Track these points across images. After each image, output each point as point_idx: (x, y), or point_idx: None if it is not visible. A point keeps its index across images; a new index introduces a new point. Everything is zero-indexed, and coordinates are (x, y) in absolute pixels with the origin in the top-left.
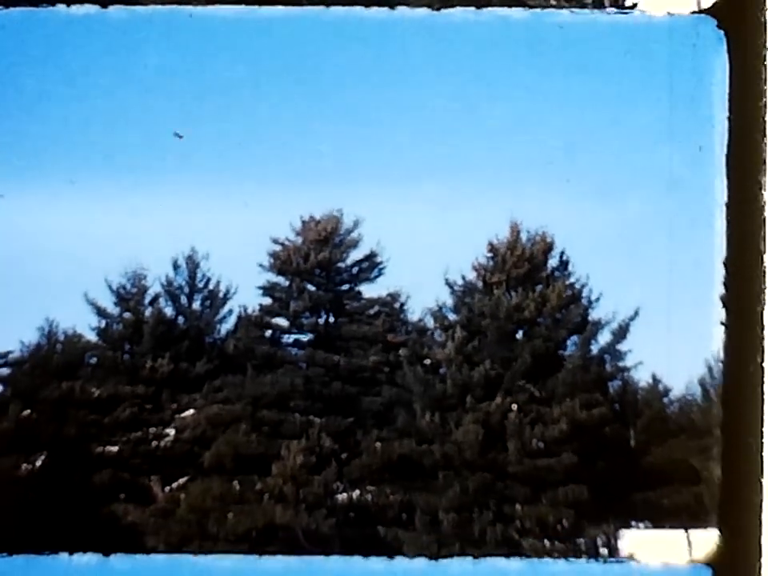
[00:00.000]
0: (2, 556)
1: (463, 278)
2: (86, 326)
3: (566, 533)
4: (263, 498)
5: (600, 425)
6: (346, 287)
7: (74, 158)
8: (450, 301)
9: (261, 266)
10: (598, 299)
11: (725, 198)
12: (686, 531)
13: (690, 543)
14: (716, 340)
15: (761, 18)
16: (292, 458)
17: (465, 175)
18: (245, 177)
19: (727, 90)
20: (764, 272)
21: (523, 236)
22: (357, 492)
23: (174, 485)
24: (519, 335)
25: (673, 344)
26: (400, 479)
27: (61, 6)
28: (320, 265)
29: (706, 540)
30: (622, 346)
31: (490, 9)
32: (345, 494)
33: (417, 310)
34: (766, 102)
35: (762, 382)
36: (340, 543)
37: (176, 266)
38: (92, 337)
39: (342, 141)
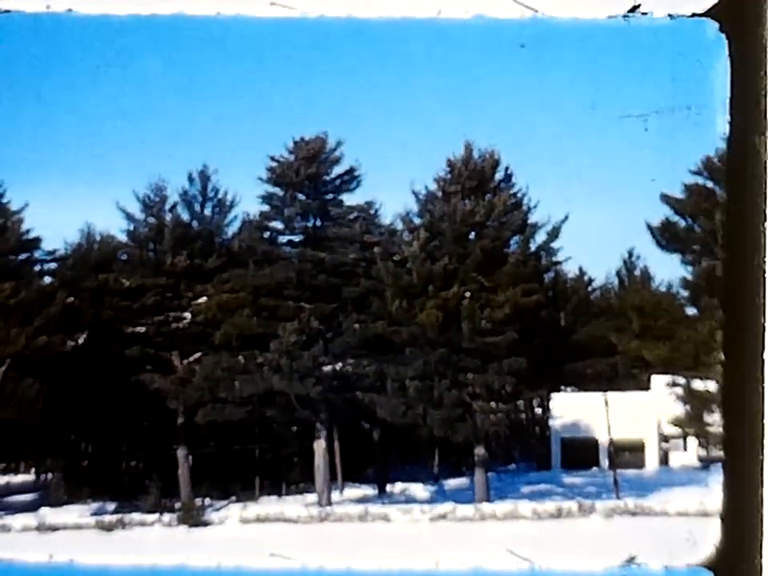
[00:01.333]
0: (3, 560)
1: (426, 188)
2: (118, 228)
3: (509, 396)
4: (263, 369)
5: (537, 309)
6: (330, 196)
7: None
8: (415, 207)
9: (260, 179)
10: (536, 206)
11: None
12: (604, 394)
13: (606, 403)
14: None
15: (761, 21)
16: (286, 336)
17: (428, 109)
18: (248, 107)
19: (728, 92)
20: (764, 271)
21: (475, 154)
22: (339, 364)
23: (191, 358)
24: (472, 236)
25: (596, 242)
26: (374, 354)
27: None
28: (309, 178)
29: (620, 402)
30: (555, 244)
31: (489, 10)
32: (329, 366)
33: (388, 215)
34: (766, 103)
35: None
36: (326, 406)
37: (191, 179)
38: (123, 237)
39: (332, 93)
